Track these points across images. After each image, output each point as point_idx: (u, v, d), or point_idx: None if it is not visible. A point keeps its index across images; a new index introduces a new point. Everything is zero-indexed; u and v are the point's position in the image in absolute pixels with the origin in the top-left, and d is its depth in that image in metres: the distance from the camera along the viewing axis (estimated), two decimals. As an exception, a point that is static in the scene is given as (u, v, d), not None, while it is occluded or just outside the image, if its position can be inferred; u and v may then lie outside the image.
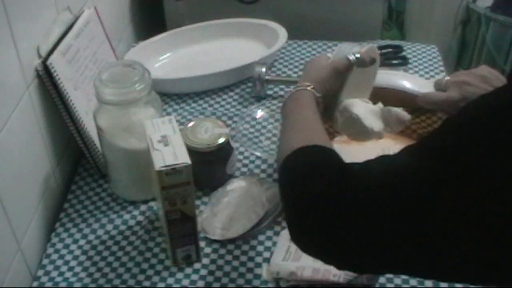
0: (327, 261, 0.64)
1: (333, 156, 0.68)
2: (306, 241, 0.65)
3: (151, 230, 0.94)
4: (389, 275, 0.84)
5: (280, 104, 1.18)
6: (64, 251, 0.91)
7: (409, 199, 0.55)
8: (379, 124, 0.90)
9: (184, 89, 1.24)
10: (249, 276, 0.86)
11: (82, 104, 0.98)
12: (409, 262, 0.57)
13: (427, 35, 2.01)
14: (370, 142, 1.02)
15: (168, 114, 1.17)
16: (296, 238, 0.66)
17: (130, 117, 0.92)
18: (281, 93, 1.23)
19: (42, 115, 0.94)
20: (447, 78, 0.99)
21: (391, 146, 1.01)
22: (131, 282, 0.86)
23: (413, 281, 0.84)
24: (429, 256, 0.55)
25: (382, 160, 0.61)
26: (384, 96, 1.07)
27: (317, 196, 0.61)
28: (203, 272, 0.87)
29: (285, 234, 0.91)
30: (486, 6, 1.82)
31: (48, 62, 0.91)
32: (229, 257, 0.89)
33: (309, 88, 0.87)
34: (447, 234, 0.53)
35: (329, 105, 0.91)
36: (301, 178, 0.66)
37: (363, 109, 0.90)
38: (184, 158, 0.79)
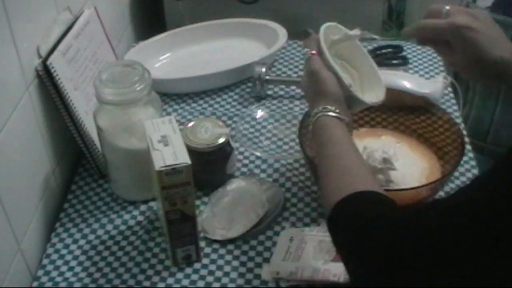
0: None
1: (386, 204, 0.67)
2: None
3: (151, 230, 0.94)
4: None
5: (280, 104, 1.20)
6: (64, 251, 0.91)
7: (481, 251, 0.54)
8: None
9: (184, 89, 1.24)
10: (249, 276, 0.86)
11: (82, 104, 0.98)
12: None
13: (427, 35, 2.00)
14: (371, 140, 1.02)
15: (168, 114, 1.17)
16: None
17: (130, 117, 0.92)
18: (281, 93, 1.23)
19: (42, 115, 0.94)
20: (448, 7, 0.85)
21: (392, 144, 1.01)
22: (131, 282, 0.86)
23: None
24: None
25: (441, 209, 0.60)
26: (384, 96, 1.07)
27: (380, 255, 0.61)
28: (203, 272, 0.87)
29: (285, 234, 0.91)
30: (486, 6, 1.82)
31: (48, 62, 0.91)
32: (229, 257, 0.89)
33: (335, 114, 0.79)
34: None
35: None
36: (358, 236, 0.64)
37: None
38: (184, 158, 0.79)
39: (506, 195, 0.54)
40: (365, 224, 0.64)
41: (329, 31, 0.88)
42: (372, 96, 0.88)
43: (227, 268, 0.87)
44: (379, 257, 0.61)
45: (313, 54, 0.85)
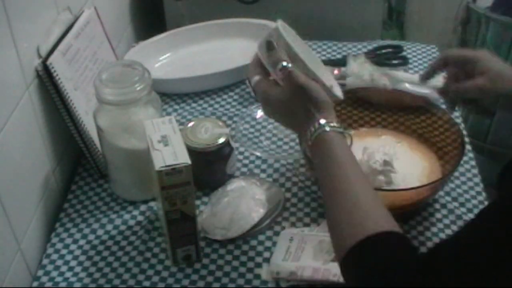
0: None
1: (406, 248, 0.65)
2: None
3: (151, 230, 0.94)
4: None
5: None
6: (64, 251, 0.91)
7: None
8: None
9: (184, 89, 1.24)
10: (249, 276, 0.86)
11: (82, 104, 0.98)
12: None
13: (427, 35, 2.00)
14: (371, 140, 1.02)
15: (168, 114, 1.17)
16: None
17: (130, 117, 0.92)
18: (281, 93, 1.23)
19: (42, 115, 0.94)
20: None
21: (392, 144, 1.01)
22: (131, 282, 0.86)
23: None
24: None
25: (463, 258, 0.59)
26: (385, 96, 1.07)
27: None
28: (203, 272, 0.87)
29: (285, 234, 0.91)
30: (486, 6, 1.82)
31: (48, 62, 0.91)
32: (229, 257, 0.89)
33: (339, 128, 0.74)
34: None
35: None
36: (379, 280, 0.62)
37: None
38: (184, 158, 0.79)
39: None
40: (380, 277, 0.62)
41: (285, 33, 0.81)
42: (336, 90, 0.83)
43: (227, 268, 0.87)
44: None
45: (291, 70, 0.77)
